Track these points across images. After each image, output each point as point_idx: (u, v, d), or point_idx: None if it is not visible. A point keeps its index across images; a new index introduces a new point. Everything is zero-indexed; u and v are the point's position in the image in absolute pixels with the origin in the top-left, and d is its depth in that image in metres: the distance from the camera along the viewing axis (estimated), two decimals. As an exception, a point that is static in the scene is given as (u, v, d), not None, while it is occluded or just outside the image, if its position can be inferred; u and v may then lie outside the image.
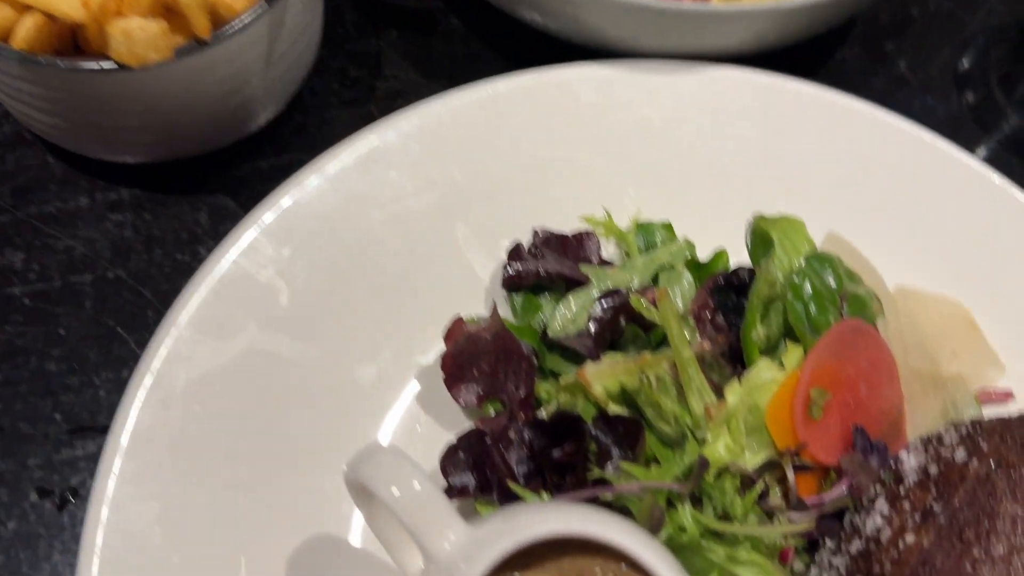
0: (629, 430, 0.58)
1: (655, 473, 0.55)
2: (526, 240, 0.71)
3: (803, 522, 0.56)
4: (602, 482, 0.56)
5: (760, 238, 0.66)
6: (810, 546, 0.59)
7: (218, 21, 0.64)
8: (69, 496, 0.64)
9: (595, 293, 0.66)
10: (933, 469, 0.56)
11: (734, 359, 0.64)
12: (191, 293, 0.64)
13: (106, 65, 0.61)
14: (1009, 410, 0.66)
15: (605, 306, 0.63)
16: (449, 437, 0.63)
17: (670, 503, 0.56)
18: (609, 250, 0.73)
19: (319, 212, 0.69)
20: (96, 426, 0.66)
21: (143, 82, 0.63)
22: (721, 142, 0.75)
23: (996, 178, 0.74)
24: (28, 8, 0.61)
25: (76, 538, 0.61)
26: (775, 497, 0.58)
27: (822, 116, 0.76)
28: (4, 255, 0.72)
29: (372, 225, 0.70)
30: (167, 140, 0.71)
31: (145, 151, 0.73)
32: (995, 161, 0.83)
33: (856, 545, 0.55)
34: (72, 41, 0.65)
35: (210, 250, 0.71)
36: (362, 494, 0.50)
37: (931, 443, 0.59)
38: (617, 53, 0.77)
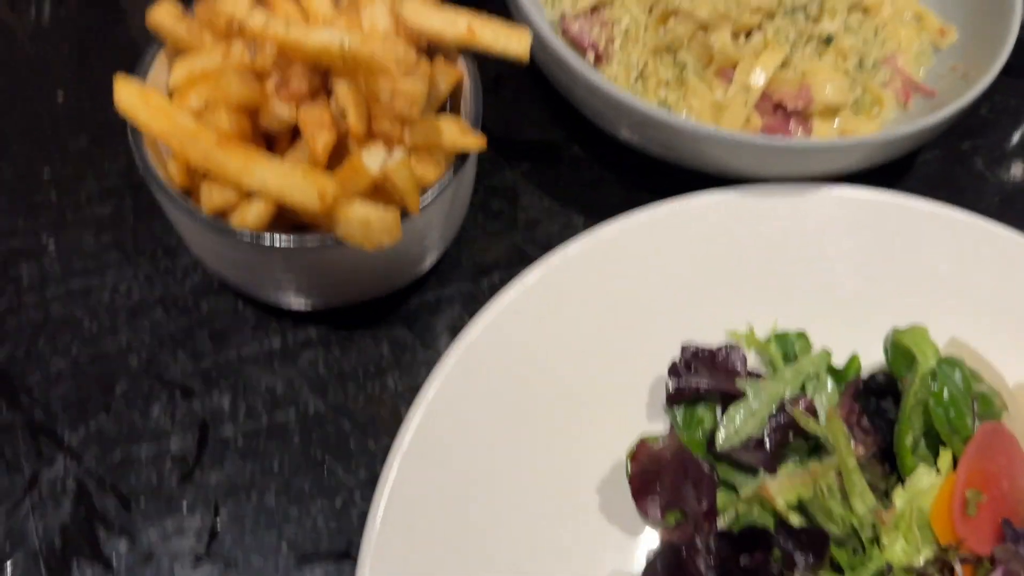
0: (813, 540, 0.66)
1: (848, 581, 0.64)
2: (673, 351, 0.80)
3: (972, 609, 0.65)
4: (800, 589, 0.64)
5: (900, 350, 0.75)
6: (974, 627, 0.68)
7: (414, 191, 0.73)
8: (308, 620, 0.72)
9: (753, 405, 0.75)
10: (1078, 555, 0.65)
11: (883, 459, 0.73)
12: (405, 430, 0.72)
13: (331, 242, 0.69)
14: (1124, 486, 0.75)
15: (777, 423, 0.72)
16: (633, 542, 0.72)
17: (858, 602, 0.64)
18: (751, 360, 0.82)
19: (498, 346, 0.77)
20: (320, 552, 0.74)
21: (356, 254, 0.71)
22: (839, 254, 0.84)
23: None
24: (251, 194, 0.70)
25: (320, 658, 0.69)
26: (942, 587, 0.67)
27: (924, 226, 0.85)
28: (213, 398, 0.80)
29: (545, 354, 0.78)
30: (354, 290, 0.80)
31: (333, 300, 0.81)
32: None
33: (1018, 626, 0.64)
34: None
35: (396, 379, 0.81)
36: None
37: (1069, 529, 0.67)
38: (730, 177, 0.86)
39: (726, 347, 0.80)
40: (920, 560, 0.66)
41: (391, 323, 0.84)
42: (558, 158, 0.95)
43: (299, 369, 0.82)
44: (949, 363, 0.75)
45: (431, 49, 0.80)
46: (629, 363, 0.81)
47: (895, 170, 0.95)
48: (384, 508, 0.69)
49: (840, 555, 0.68)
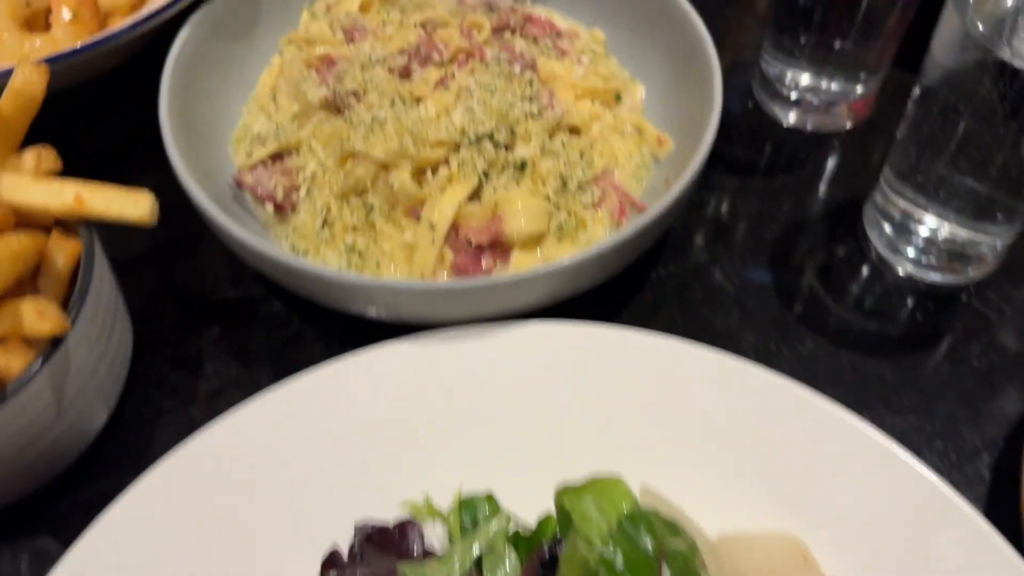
0: None
1: None
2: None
3: None
4: None
5: (564, 515, 0.65)
6: None
7: (-5, 384, 0.64)
8: None
9: (415, 598, 0.64)
10: None
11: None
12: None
13: None
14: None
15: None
16: None
17: None
18: (438, 531, 0.71)
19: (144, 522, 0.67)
20: None
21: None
22: (532, 396, 0.75)
23: (816, 398, 0.73)
24: None
25: None
26: None
27: (628, 355, 0.76)
28: None
29: (192, 537, 0.68)
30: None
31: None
32: (821, 356, 0.85)
33: None
34: None
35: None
36: None
37: None
38: (427, 325, 0.78)
39: (404, 523, 0.70)
40: None
41: (34, 530, 0.74)
42: (253, 316, 0.87)
43: (-79, 594, 0.71)
44: (634, 520, 0.65)
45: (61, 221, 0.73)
46: (293, 547, 0.70)
47: (633, 285, 0.89)
48: None
49: None
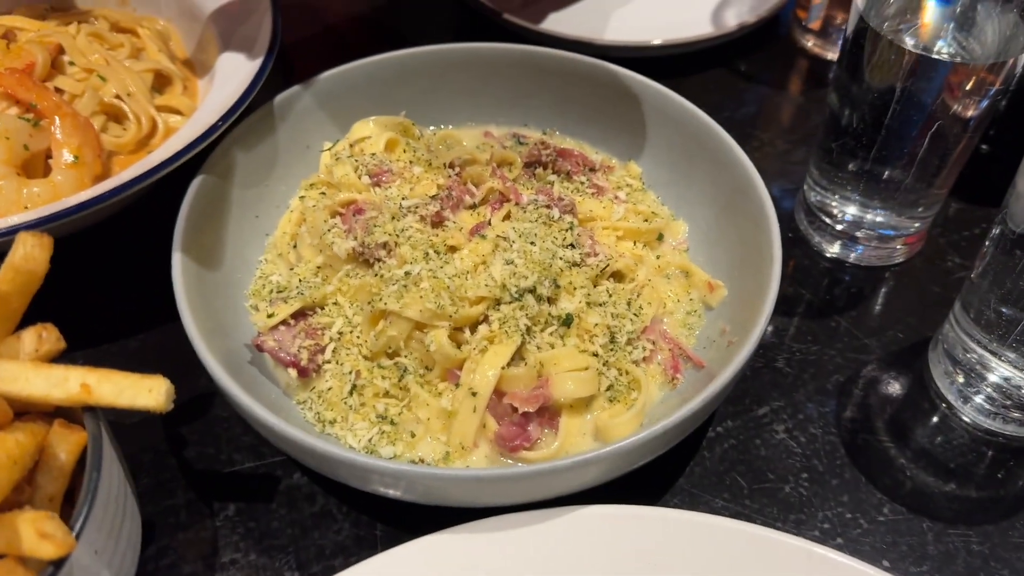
0: None
1: None
2: None
3: None
4: None
5: None
6: None
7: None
8: None
9: None
10: None
11: None
12: None
13: None
14: None
15: None
16: None
17: None
18: None
19: None
20: None
21: None
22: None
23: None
24: None
25: None
26: None
27: (698, 542, 0.68)
28: None
29: None
30: None
31: None
32: (901, 525, 0.77)
33: None
34: None
35: None
36: None
37: None
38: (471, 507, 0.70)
39: None
40: None
41: None
42: (273, 491, 0.78)
43: None
44: None
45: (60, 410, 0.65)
46: None
47: (688, 449, 0.81)
48: None
49: None
